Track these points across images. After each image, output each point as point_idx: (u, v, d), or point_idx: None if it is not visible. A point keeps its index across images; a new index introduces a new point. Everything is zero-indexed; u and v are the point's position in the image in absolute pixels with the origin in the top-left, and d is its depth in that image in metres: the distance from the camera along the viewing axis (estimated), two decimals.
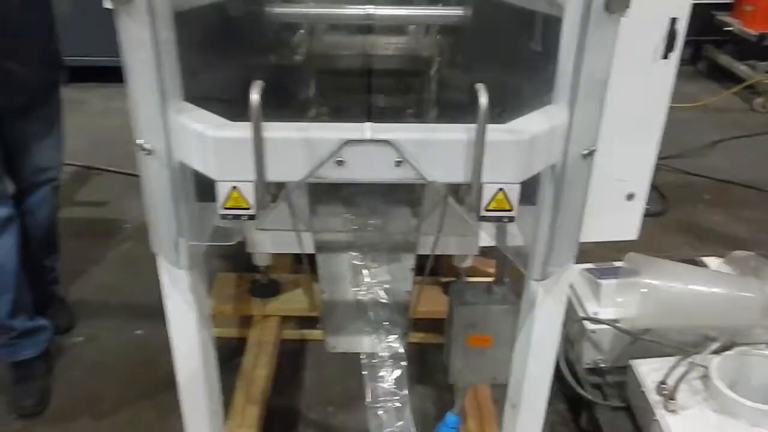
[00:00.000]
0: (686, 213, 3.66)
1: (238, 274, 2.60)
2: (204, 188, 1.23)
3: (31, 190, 2.42)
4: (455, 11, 1.31)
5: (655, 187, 3.62)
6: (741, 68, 5.27)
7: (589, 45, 1.10)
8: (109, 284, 3.03)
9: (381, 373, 1.70)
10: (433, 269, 2.62)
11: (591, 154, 1.20)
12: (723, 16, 5.35)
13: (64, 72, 2.34)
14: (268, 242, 2.31)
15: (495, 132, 1.10)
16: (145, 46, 1.07)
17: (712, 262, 2.44)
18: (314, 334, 2.51)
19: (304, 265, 1.67)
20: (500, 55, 1.37)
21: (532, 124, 1.16)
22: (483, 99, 1.05)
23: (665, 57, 2.05)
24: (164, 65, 1.10)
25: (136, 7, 1.04)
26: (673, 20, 2.00)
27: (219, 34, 1.28)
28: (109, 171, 3.97)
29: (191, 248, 1.30)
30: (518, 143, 1.13)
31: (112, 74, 5.09)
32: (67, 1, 2.32)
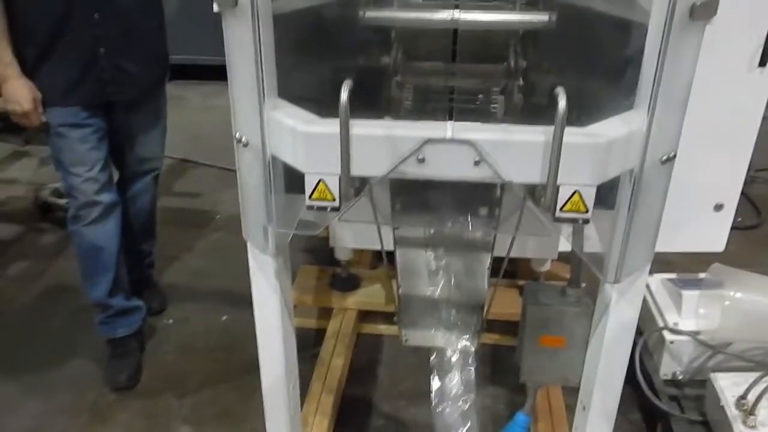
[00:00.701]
0: None
1: (320, 267, 2.70)
2: (292, 181, 1.31)
3: (135, 179, 2.60)
4: (539, 16, 1.34)
5: (749, 200, 3.48)
6: None
7: (672, 51, 1.10)
8: (200, 271, 3.21)
9: (450, 374, 1.74)
10: (512, 272, 2.64)
11: (670, 160, 1.20)
12: None
13: (169, 69, 2.50)
14: (350, 237, 2.40)
15: (572, 135, 1.13)
16: (247, 46, 1.17)
17: None
18: (391, 329, 2.57)
19: (384, 260, 1.73)
20: (583, 59, 1.39)
21: (611, 128, 1.18)
22: (562, 102, 1.08)
23: (762, 65, 2.00)
24: (263, 64, 1.19)
25: (241, 9, 1.13)
26: None
27: (312, 35, 1.36)
28: (204, 165, 4.19)
29: (278, 236, 1.39)
30: (595, 146, 1.15)
31: (211, 73, 5.35)
32: None
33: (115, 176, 2.52)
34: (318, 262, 2.84)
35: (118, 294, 2.49)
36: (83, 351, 2.67)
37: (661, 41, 1.09)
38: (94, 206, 2.32)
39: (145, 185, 2.64)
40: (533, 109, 1.36)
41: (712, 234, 2.11)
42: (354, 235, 2.36)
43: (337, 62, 1.38)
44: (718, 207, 2.09)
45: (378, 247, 1.65)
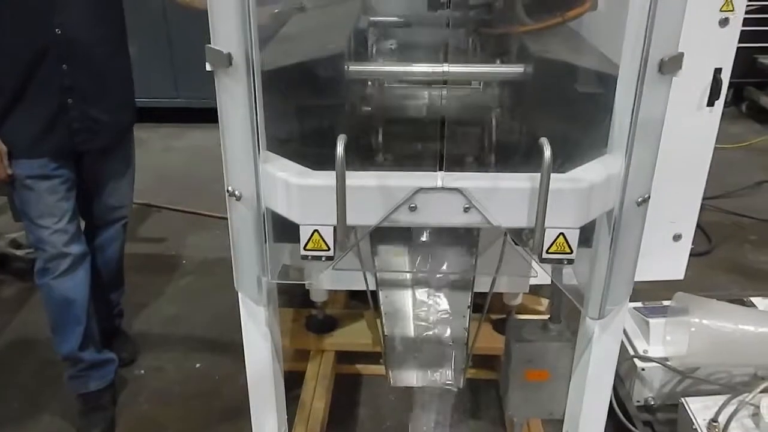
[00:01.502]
0: (732, 253, 3.67)
1: (296, 309, 2.71)
2: (278, 229, 1.34)
3: (103, 228, 2.55)
4: (515, 69, 1.42)
5: (700, 227, 3.64)
6: None
7: (644, 102, 1.19)
8: (170, 317, 3.17)
9: (429, 410, 1.77)
10: (483, 306, 2.69)
11: (645, 201, 1.29)
12: (765, 59, 5.39)
13: (136, 115, 2.47)
14: (325, 279, 2.42)
15: (556, 181, 1.20)
16: (240, 102, 1.20)
17: (761, 302, 2.47)
18: (369, 369, 2.59)
19: (369, 301, 1.76)
20: (558, 106, 1.47)
21: (590, 173, 1.26)
22: (547, 152, 1.15)
23: (710, 104, 2.13)
24: (254, 118, 1.23)
25: (235, 68, 1.17)
26: (718, 70, 2.09)
27: (298, 89, 1.41)
28: (168, 209, 4.15)
29: (269, 286, 1.41)
30: (578, 191, 1.22)
31: (170, 114, 5.33)
32: None
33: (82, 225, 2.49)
34: (291, 303, 2.84)
35: (89, 347, 2.44)
36: (53, 406, 2.59)
37: (635, 93, 1.18)
38: (63, 258, 2.28)
39: (113, 234, 2.59)
40: (514, 154, 1.43)
41: (672, 263, 2.22)
42: (329, 276, 2.39)
43: (323, 114, 1.42)
44: (677, 237, 2.20)
45: (353, 288, 1.69)
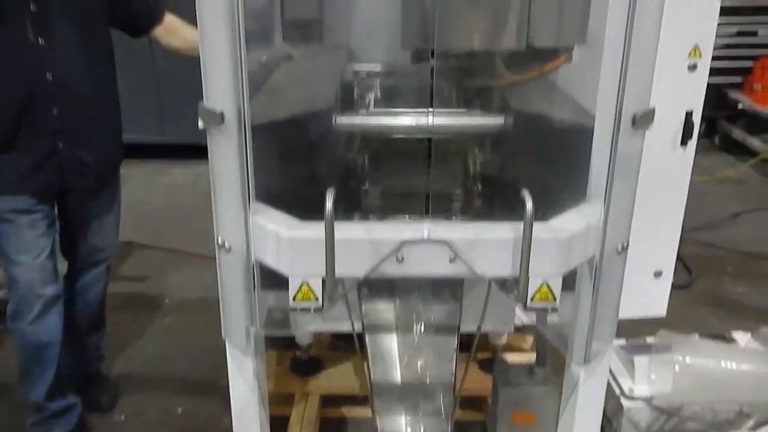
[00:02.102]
0: (712, 285, 3.73)
1: (280, 352, 2.69)
2: (265, 277, 1.36)
3: (86, 269, 2.50)
4: (495, 120, 1.47)
5: (680, 260, 3.71)
6: (755, 143, 5.42)
7: (619, 155, 1.24)
8: (151, 358, 3.12)
9: None
10: (470, 345, 2.70)
11: (625, 249, 1.33)
12: (734, 93, 5.55)
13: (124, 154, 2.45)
14: (310, 321, 2.42)
15: (539, 231, 1.23)
16: (231, 157, 1.23)
17: (741, 337, 2.51)
18: (355, 411, 2.57)
19: (356, 344, 1.77)
20: (538, 155, 1.52)
21: (570, 222, 1.30)
22: (529, 204, 1.19)
23: (683, 144, 2.20)
24: (245, 173, 1.25)
25: (227, 125, 1.20)
26: (689, 113, 2.16)
27: (288, 140, 1.44)
28: (150, 247, 4.13)
29: (257, 335, 1.42)
30: (559, 241, 1.26)
31: (155, 151, 5.27)
32: None
33: (63, 267, 2.44)
34: (275, 344, 2.83)
35: (57, 396, 2.38)
36: None
37: (611, 147, 1.22)
38: (36, 300, 2.23)
39: (96, 275, 2.55)
40: (496, 201, 1.47)
41: (654, 300, 2.26)
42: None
43: (311, 164, 1.46)
44: (657, 274, 2.24)
45: (338, 330, 1.70)
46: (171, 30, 2.34)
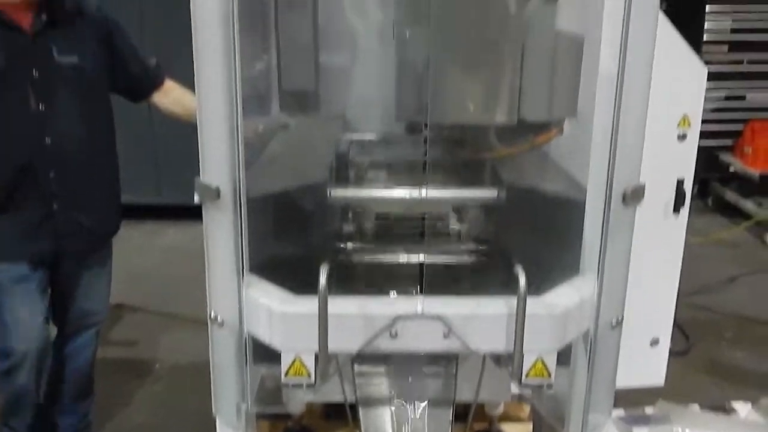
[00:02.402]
0: (710, 351, 3.69)
1: (271, 422, 2.63)
2: (257, 351, 1.34)
3: (76, 334, 2.46)
4: (488, 193, 1.49)
5: (677, 325, 3.68)
6: (748, 205, 5.46)
7: (611, 229, 1.25)
8: (140, 427, 3.05)
9: None
10: (465, 415, 2.65)
11: (619, 323, 1.32)
12: (726, 156, 5.62)
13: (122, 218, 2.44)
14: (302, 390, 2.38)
15: (532, 306, 1.23)
16: (227, 231, 1.24)
17: (742, 408, 2.47)
18: None
19: (348, 415, 1.74)
20: (531, 228, 1.53)
21: (564, 297, 1.30)
22: (522, 280, 1.19)
23: (676, 211, 2.22)
24: (243, 247, 1.26)
25: (223, 200, 1.21)
26: (680, 182, 2.19)
27: (283, 213, 1.45)
28: (142, 310, 4.09)
29: (248, 412, 1.39)
30: (553, 316, 1.25)
31: (151, 212, 5.24)
32: None
33: (53, 331, 2.40)
34: (265, 414, 2.77)
35: None
36: None
37: (602, 223, 1.24)
38: (23, 360, 2.21)
39: (86, 341, 2.50)
40: (490, 274, 1.47)
41: (651, 368, 2.23)
42: None
43: (305, 236, 1.46)
44: (654, 342, 2.23)
45: (331, 400, 1.67)
46: (171, 96, 2.38)
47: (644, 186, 1.26)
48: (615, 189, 1.22)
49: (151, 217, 5.16)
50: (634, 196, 1.23)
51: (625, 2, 1.24)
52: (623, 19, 1.24)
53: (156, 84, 2.37)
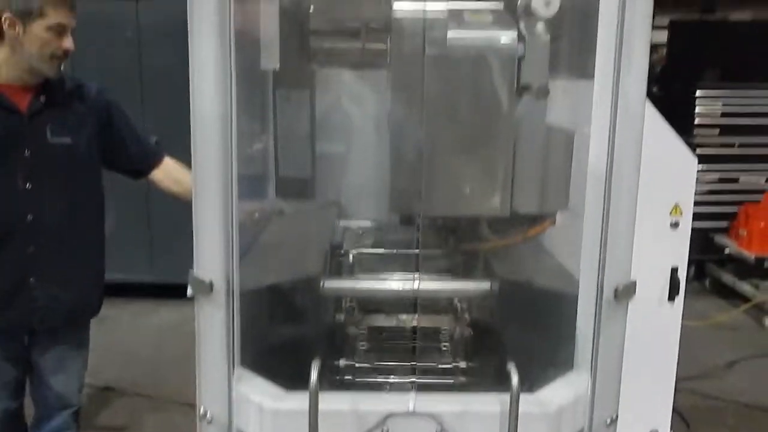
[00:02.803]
0: None
1: None
2: None
3: (51, 416, 2.34)
4: (482, 285, 1.49)
5: (677, 413, 3.61)
6: (745, 287, 5.44)
7: (603, 325, 1.25)
8: None
9: None
10: None
11: (614, 421, 1.30)
12: (721, 238, 5.64)
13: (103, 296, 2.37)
14: None
15: (526, 404, 1.22)
16: (218, 325, 1.23)
17: None
18: None
19: None
20: (524, 319, 1.53)
21: (558, 394, 1.28)
22: (514, 379, 1.18)
23: (671, 299, 2.22)
24: (234, 341, 1.25)
25: (216, 294, 1.21)
26: (674, 270, 2.20)
27: (276, 306, 1.45)
28: (129, 394, 3.99)
29: None
30: (547, 415, 1.24)
31: (143, 290, 5.13)
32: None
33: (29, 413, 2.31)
34: None
35: None
36: None
37: (594, 321, 1.24)
38: None
39: (61, 424, 2.35)
40: (482, 369, 1.46)
41: None
42: None
43: (297, 328, 1.46)
44: None
45: None
46: (170, 175, 2.37)
47: (635, 283, 1.27)
48: (606, 285, 1.23)
49: (143, 296, 5.10)
50: (626, 292, 1.24)
51: (612, 102, 1.28)
52: (610, 119, 1.29)
53: (155, 162, 2.36)
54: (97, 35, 4.25)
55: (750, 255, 5.30)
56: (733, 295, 5.54)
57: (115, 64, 4.57)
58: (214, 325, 1.23)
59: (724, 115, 5.62)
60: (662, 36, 6.44)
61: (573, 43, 1.61)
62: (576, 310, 1.35)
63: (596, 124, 1.32)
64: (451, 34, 1.49)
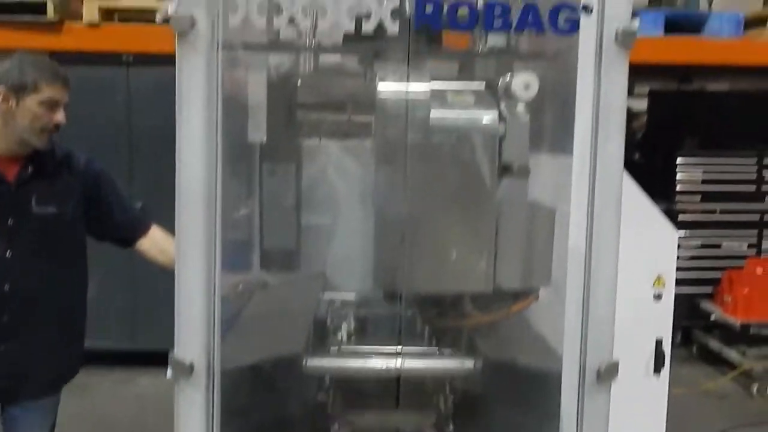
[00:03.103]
0: None
1: None
2: None
3: None
4: (466, 363, 1.48)
5: None
6: (732, 355, 5.42)
7: (586, 406, 1.24)
8: None
9: None
10: None
11: None
12: (706, 304, 5.64)
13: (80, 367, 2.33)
14: None
15: None
16: (197, 408, 1.22)
17: None
18: None
19: None
20: (509, 396, 1.51)
21: None
22: None
23: (657, 371, 2.22)
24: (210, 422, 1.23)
25: (195, 375, 1.20)
26: (659, 342, 2.20)
27: (257, 384, 1.43)
28: None
29: None
30: None
31: (123, 358, 4.98)
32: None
33: None
34: None
35: None
36: None
37: (577, 403, 1.23)
38: None
39: None
40: None
41: None
42: None
43: (279, 406, 1.43)
44: None
45: None
46: (156, 245, 2.35)
47: (618, 363, 1.27)
48: (589, 366, 1.23)
49: (123, 364, 4.97)
50: (608, 372, 1.24)
51: (590, 176, 1.31)
52: (588, 200, 1.31)
53: (141, 232, 2.34)
54: (87, 99, 4.30)
55: (735, 321, 5.30)
56: (720, 362, 5.50)
57: (105, 130, 4.61)
58: (194, 409, 1.21)
59: (704, 182, 5.70)
60: (642, 104, 6.62)
61: (555, 119, 1.66)
62: (560, 388, 1.34)
63: (575, 199, 1.34)
64: (434, 113, 1.53)
